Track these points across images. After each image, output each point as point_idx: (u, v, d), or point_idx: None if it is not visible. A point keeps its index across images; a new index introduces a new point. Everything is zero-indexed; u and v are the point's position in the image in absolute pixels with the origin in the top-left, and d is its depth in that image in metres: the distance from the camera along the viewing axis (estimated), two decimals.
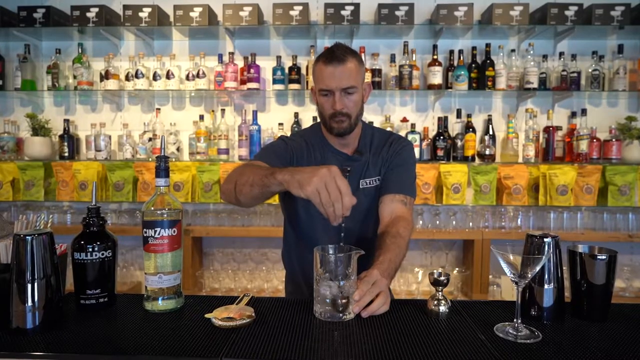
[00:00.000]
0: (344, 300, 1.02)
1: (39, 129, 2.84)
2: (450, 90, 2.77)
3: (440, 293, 1.09)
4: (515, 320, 0.97)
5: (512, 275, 0.96)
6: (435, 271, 1.10)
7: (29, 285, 0.93)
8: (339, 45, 1.36)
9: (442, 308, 1.07)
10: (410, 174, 1.49)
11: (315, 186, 0.99)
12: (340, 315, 1.02)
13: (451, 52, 2.81)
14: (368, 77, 2.75)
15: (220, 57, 2.83)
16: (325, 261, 1.03)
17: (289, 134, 2.85)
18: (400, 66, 2.75)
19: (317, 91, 1.38)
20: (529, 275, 0.94)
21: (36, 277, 0.94)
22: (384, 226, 1.36)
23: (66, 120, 2.89)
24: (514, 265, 0.94)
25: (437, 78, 2.75)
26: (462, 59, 2.79)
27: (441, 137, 2.78)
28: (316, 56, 2.86)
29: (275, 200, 2.76)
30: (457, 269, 2.82)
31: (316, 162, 1.45)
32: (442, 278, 1.08)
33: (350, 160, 1.46)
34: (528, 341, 0.93)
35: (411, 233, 1.36)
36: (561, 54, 2.78)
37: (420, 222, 2.84)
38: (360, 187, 1.45)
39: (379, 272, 1.12)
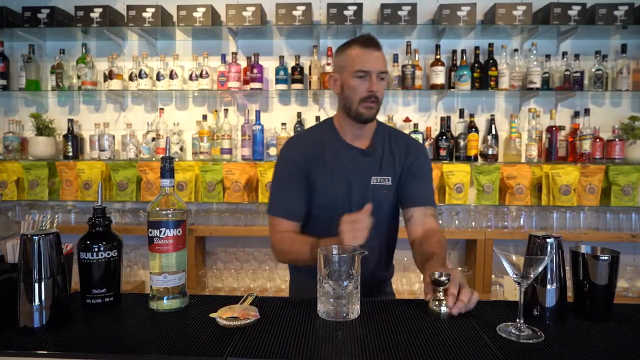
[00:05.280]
0: (346, 300, 1.03)
1: (43, 129, 2.86)
2: (453, 90, 2.77)
3: (441, 293, 1.08)
4: (517, 320, 0.98)
5: (514, 276, 0.96)
6: (435, 272, 1.08)
7: (36, 285, 0.94)
8: (370, 35, 1.41)
9: (443, 309, 1.06)
10: (432, 182, 1.52)
11: (350, 238, 1.17)
12: (344, 314, 1.03)
13: (454, 52, 2.81)
14: None
15: (223, 57, 2.84)
16: (329, 261, 1.03)
17: (291, 134, 2.86)
18: (403, 66, 2.75)
19: (350, 74, 1.37)
20: (532, 276, 0.95)
21: (43, 276, 0.95)
22: (418, 237, 1.40)
23: (70, 120, 2.91)
24: (516, 266, 0.95)
25: (439, 78, 2.75)
26: (464, 58, 2.79)
27: (444, 137, 2.78)
28: (319, 56, 2.87)
29: None
30: (459, 268, 2.82)
31: (328, 162, 1.44)
32: (442, 278, 1.06)
33: (364, 155, 1.45)
34: (530, 341, 0.93)
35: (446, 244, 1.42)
36: (564, 53, 2.78)
37: None
38: (372, 183, 1.44)
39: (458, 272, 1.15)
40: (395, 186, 1.47)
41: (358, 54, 1.36)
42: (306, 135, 1.54)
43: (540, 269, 0.95)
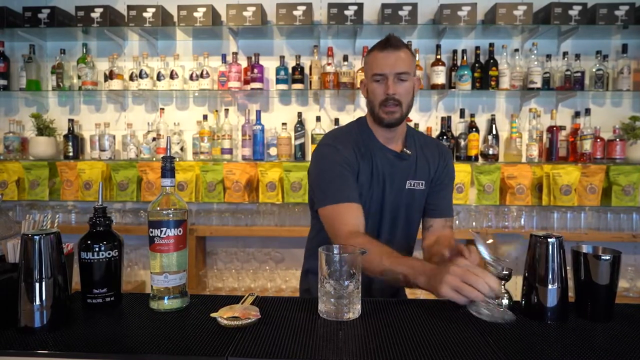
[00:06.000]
0: (348, 300, 1.03)
1: (43, 129, 2.86)
2: (453, 90, 2.77)
3: (502, 287, 1.12)
4: (489, 300, 1.00)
5: (488, 258, 1.02)
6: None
7: (37, 285, 0.94)
8: (394, 35, 1.38)
9: (504, 301, 1.10)
10: (452, 189, 1.55)
11: (450, 286, 1.01)
12: (345, 314, 1.03)
13: (454, 52, 2.81)
14: None
15: (223, 57, 2.84)
16: (330, 261, 1.03)
17: (292, 134, 2.86)
18: None
19: (369, 78, 1.37)
20: (507, 260, 1.00)
21: (44, 276, 0.95)
22: (430, 244, 1.42)
23: (71, 120, 2.91)
24: (489, 248, 1.01)
25: (440, 78, 2.75)
26: (465, 58, 2.79)
27: (444, 137, 2.78)
28: (319, 56, 2.87)
29: (279, 199, 2.78)
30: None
31: (366, 162, 1.40)
32: (504, 272, 1.11)
33: (400, 158, 1.43)
34: (500, 321, 0.97)
35: None
36: (565, 53, 2.78)
37: None
38: (406, 187, 1.43)
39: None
40: (427, 191, 1.47)
41: (375, 57, 1.35)
42: (347, 133, 1.46)
43: (514, 252, 0.97)
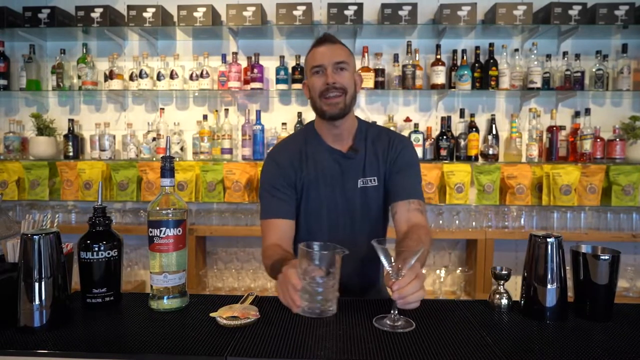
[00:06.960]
0: (323, 297, 1.03)
1: (43, 129, 2.86)
2: (453, 90, 2.77)
3: (501, 287, 1.15)
4: (392, 312, 1.01)
5: (388, 267, 1.01)
6: (497, 266, 1.16)
7: (37, 284, 0.95)
8: (329, 33, 1.44)
9: (504, 301, 1.13)
10: (418, 176, 1.45)
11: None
12: (318, 311, 1.03)
13: (454, 51, 2.81)
14: (371, 76, 2.75)
15: (223, 57, 2.84)
16: (309, 258, 1.03)
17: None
18: (404, 66, 2.75)
19: (309, 74, 1.39)
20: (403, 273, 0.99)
21: (43, 276, 0.95)
22: (402, 234, 1.30)
23: (71, 120, 2.91)
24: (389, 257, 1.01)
25: (440, 78, 2.75)
26: (465, 58, 2.79)
27: (444, 137, 2.78)
28: None
29: None
30: (460, 268, 2.82)
31: (311, 166, 1.42)
32: (503, 272, 1.15)
33: (345, 158, 1.42)
34: (405, 330, 0.97)
35: (431, 242, 1.33)
36: (565, 53, 2.78)
37: None
38: (359, 186, 1.42)
39: (420, 263, 1.07)
40: (382, 185, 1.43)
41: (312, 53, 1.38)
42: (290, 142, 1.50)
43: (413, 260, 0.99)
